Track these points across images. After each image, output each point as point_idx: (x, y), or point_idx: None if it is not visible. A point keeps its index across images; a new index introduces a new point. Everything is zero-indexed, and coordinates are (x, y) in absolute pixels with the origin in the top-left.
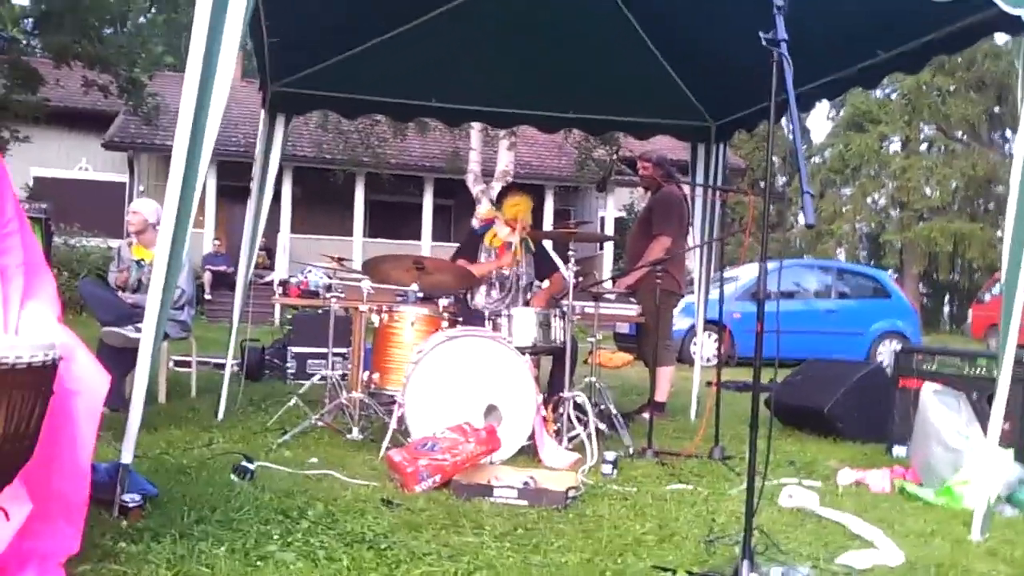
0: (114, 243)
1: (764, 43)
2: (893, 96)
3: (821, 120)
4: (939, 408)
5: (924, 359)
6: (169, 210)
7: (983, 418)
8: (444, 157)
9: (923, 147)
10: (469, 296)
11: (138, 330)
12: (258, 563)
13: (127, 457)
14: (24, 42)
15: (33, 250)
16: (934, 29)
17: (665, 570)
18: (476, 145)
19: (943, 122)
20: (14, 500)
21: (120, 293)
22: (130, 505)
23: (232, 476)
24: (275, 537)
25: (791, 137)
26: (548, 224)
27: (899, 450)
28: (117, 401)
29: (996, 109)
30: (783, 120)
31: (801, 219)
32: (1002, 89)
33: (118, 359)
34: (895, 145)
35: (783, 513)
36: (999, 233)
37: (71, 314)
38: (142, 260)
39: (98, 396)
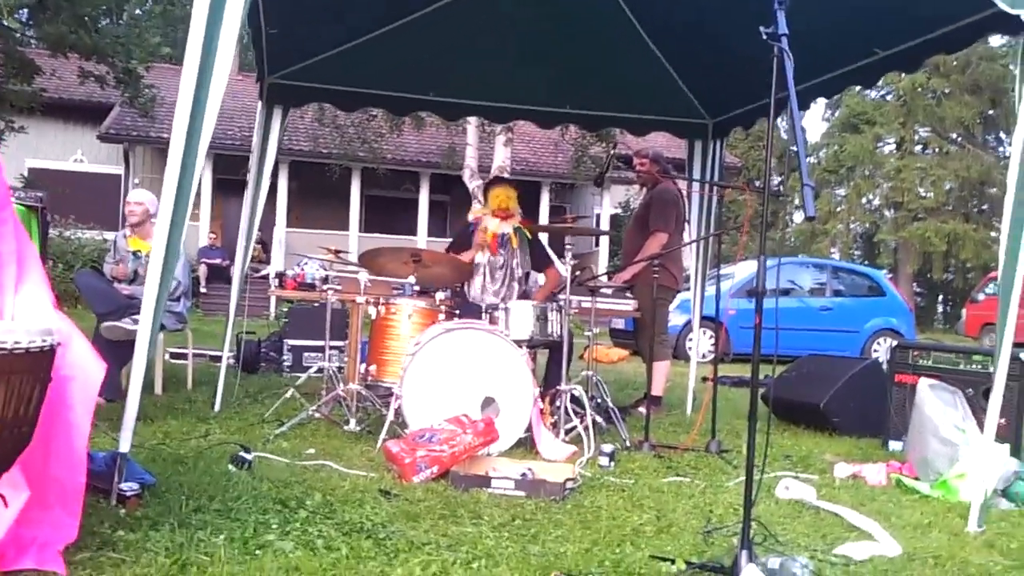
0: (109, 235)
1: (764, 37)
2: (888, 97)
3: (817, 121)
4: (935, 403)
5: (920, 355)
6: (166, 202)
7: (978, 413)
8: (440, 153)
9: (918, 148)
10: (466, 288)
11: (135, 322)
12: (257, 552)
13: (125, 446)
14: (19, 32)
15: (23, 239)
16: (932, 28)
17: (664, 560)
18: (472, 141)
19: (938, 124)
20: (12, 487)
21: (116, 284)
22: (128, 494)
23: (229, 466)
24: (273, 526)
25: (786, 136)
26: (544, 221)
27: (895, 444)
28: (114, 392)
29: (990, 112)
30: (780, 118)
31: (797, 216)
32: (996, 92)
33: (115, 351)
34: (890, 146)
35: (780, 505)
36: (993, 234)
37: (67, 307)
38: (138, 251)
39: (94, 383)
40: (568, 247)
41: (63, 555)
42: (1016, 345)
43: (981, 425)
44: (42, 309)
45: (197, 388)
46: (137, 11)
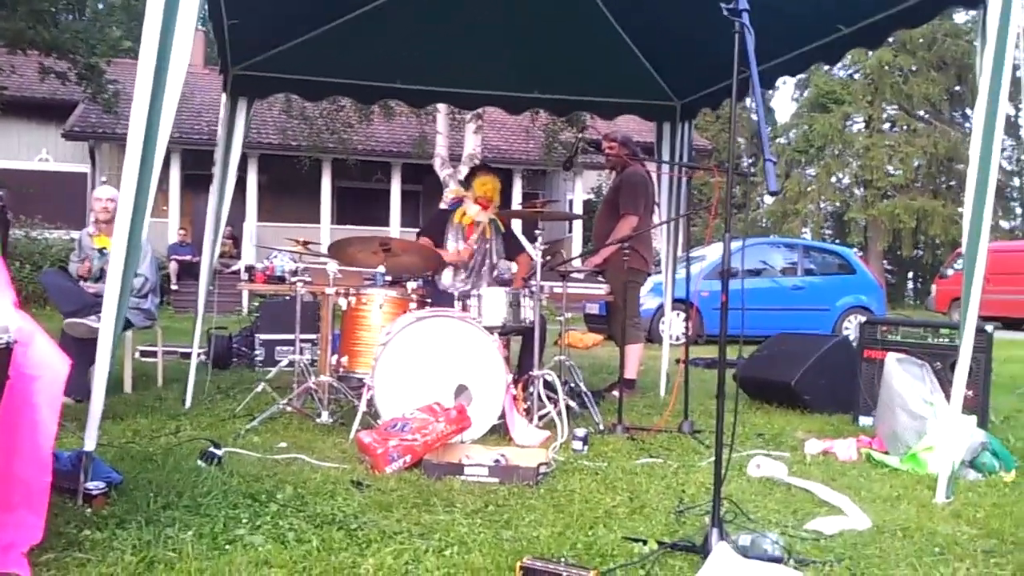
0: (77, 234)
1: (725, 13)
2: (856, 76)
3: (786, 101)
4: (903, 377)
5: (888, 330)
6: (126, 198)
7: (946, 386)
8: (411, 142)
9: (886, 126)
10: (437, 277)
11: (100, 319)
12: (227, 547)
13: (90, 444)
14: None
15: None
16: (894, 4)
17: (636, 540)
18: (443, 129)
19: (905, 101)
20: None
21: (82, 283)
22: (94, 492)
23: (199, 462)
24: (244, 521)
25: (754, 117)
26: (517, 207)
27: (865, 420)
28: (82, 392)
29: (956, 88)
30: (747, 99)
31: (768, 198)
32: (962, 68)
33: (82, 349)
34: (858, 125)
35: (752, 483)
36: (960, 209)
37: (34, 307)
38: (104, 249)
39: (58, 381)
40: (539, 232)
41: (28, 557)
42: (981, 318)
43: (949, 397)
44: (1, 308)
45: (167, 386)
46: (99, 5)
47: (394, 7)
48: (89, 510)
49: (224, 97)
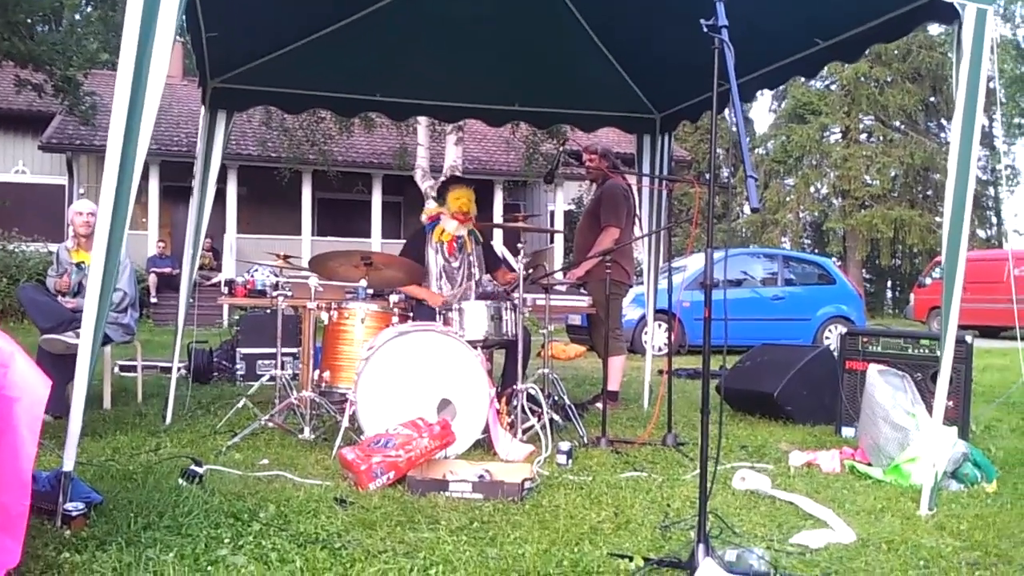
0: (54, 247)
1: (705, 30)
2: (833, 87)
3: (764, 112)
4: (885, 388)
5: (869, 341)
6: (104, 211)
7: (927, 397)
8: (391, 153)
9: (863, 137)
10: None
11: (78, 335)
12: (208, 568)
13: (69, 464)
14: None
15: None
16: (871, 18)
17: (622, 557)
18: (423, 141)
19: (881, 112)
20: None
21: (60, 298)
22: (73, 514)
23: (180, 480)
24: (226, 541)
25: (734, 128)
26: (498, 219)
27: (847, 431)
28: (60, 408)
29: (932, 99)
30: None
31: (747, 208)
32: (936, 80)
33: (60, 366)
34: (835, 135)
35: (737, 496)
36: (938, 219)
37: (11, 322)
38: (82, 263)
39: (38, 403)
40: (521, 245)
41: None
42: (960, 327)
43: (930, 409)
44: None
45: (147, 401)
46: (76, 16)
47: (375, 20)
48: (68, 532)
49: (203, 110)
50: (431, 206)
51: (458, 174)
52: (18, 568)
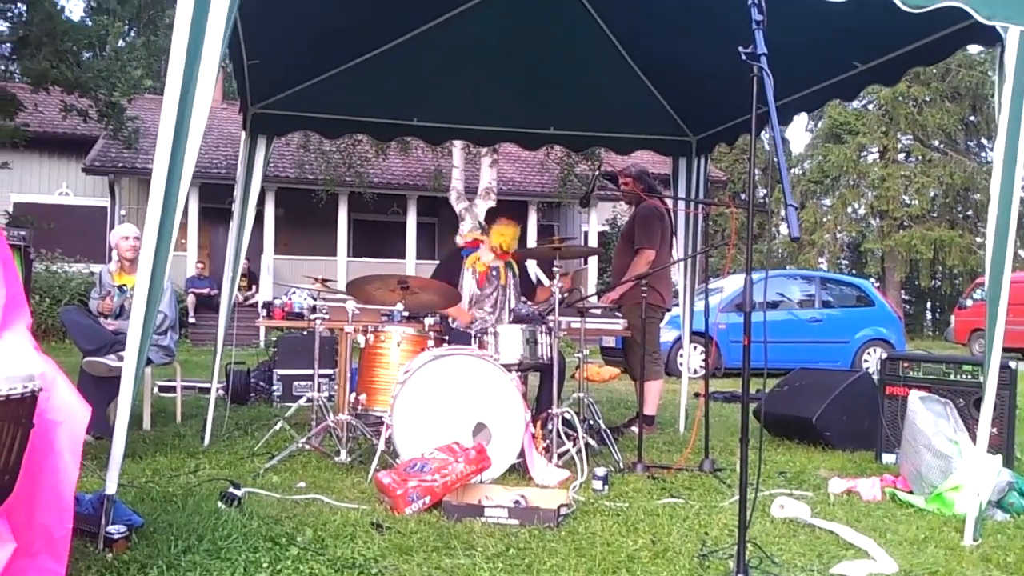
0: (96, 268)
1: (744, 58)
2: (870, 107)
3: (800, 132)
4: (927, 415)
5: (910, 366)
6: (150, 233)
7: (970, 424)
8: (427, 175)
9: (901, 156)
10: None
11: (120, 358)
12: None
13: (111, 487)
14: (2, 67)
15: (13, 283)
16: (910, 41)
17: None
18: (458, 163)
19: (920, 132)
20: None
21: (102, 319)
22: (115, 537)
23: (219, 503)
24: (264, 565)
25: (771, 149)
26: (532, 241)
27: (888, 457)
28: (101, 429)
29: (971, 118)
30: (764, 133)
31: (784, 229)
32: (976, 98)
33: (101, 387)
34: (873, 155)
35: (775, 524)
36: (978, 239)
37: (54, 341)
38: (124, 286)
39: (80, 426)
40: (557, 268)
41: None
42: (1004, 351)
43: (973, 436)
44: (24, 353)
45: (186, 422)
46: (120, 43)
47: (411, 47)
48: (110, 555)
49: (244, 135)
50: (466, 229)
51: (505, 199)
52: None
